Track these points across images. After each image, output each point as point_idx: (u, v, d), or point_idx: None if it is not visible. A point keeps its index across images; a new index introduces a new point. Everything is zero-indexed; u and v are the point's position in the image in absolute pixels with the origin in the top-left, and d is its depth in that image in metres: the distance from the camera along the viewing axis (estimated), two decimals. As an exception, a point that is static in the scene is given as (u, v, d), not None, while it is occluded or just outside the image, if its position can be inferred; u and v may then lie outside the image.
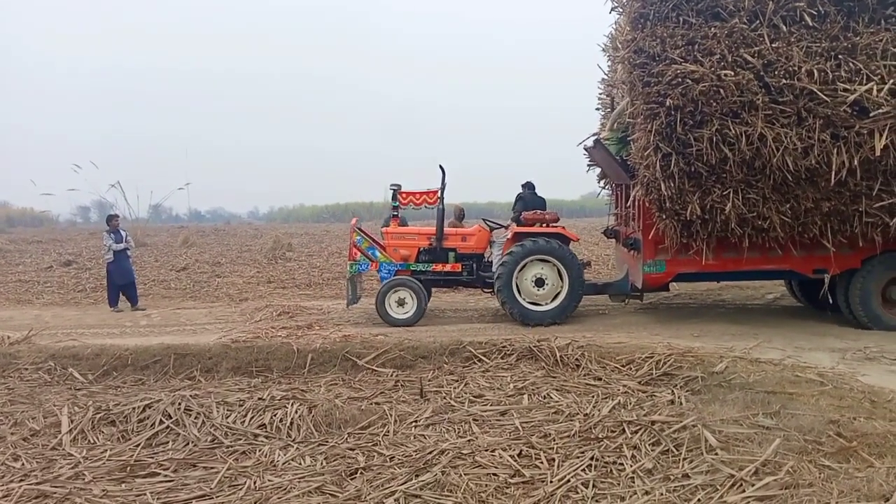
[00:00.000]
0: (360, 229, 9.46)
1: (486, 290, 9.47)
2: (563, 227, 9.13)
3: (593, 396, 5.38)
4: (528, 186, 10.34)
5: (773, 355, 6.42)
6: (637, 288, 8.75)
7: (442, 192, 9.22)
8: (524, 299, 8.67)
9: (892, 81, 6.62)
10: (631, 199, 8.43)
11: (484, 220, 10.07)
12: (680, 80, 6.87)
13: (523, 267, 8.66)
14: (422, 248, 9.29)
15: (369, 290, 12.58)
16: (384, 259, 9.23)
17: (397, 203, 9.37)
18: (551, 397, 5.48)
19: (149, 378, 6.49)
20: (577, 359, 6.36)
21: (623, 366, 6.14)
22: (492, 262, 9.28)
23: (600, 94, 10.37)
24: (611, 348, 6.61)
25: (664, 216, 7.43)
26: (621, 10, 8.16)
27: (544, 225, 9.06)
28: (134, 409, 5.28)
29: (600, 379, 5.90)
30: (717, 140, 6.85)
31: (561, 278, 8.69)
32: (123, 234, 11.01)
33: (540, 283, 8.67)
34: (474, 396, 5.61)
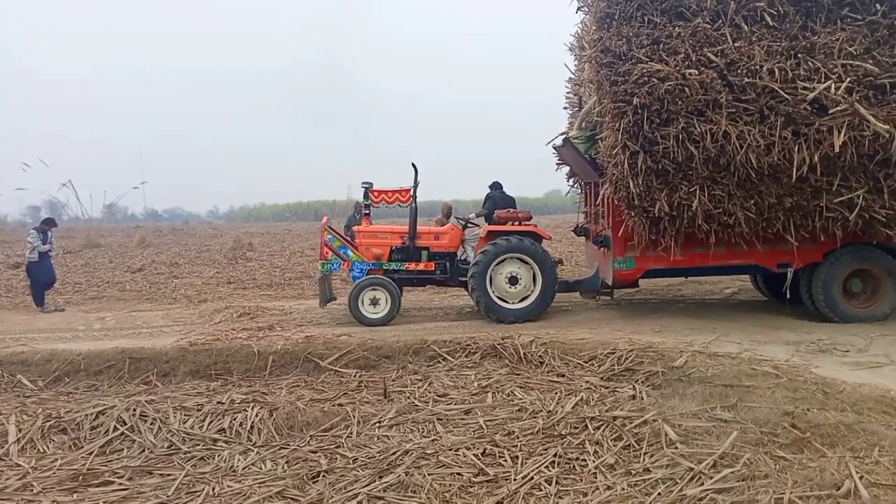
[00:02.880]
0: (331, 228, 9.34)
1: (459, 288, 9.46)
2: (536, 226, 9.18)
3: (556, 393, 5.41)
4: (496, 186, 10.37)
5: (731, 349, 6.55)
6: (607, 284, 8.84)
7: (415, 191, 9.18)
8: (498, 297, 8.70)
9: (848, 80, 6.80)
10: (600, 196, 8.51)
11: (457, 217, 10.06)
12: (646, 78, 6.96)
13: (497, 265, 8.69)
14: (394, 247, 9.23)
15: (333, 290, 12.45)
16: (356, 258, 9.13)
17: (369, 201, 9.28)
18: (515, 395, 5.50)
19: (102, 384, 6.30)
20: (540, 356, 6.40)
21: (586, 362, 6.20)
22: (465, 260, 9.29)
23: (567, 93, 10.43)
24: (574, 345, 6.66)
25: (633, 213, 7.51)
26: (587, 9, 8.23)
27: (517, 223, 9.10)
28: (86, 416, 5.12)
29: (563, 375, 5.94)
30: (683, 138, 6.95)
31: (534, 276, 8.74)
32: (50, 235, 10.95)
33: (514, 281, 8.70)
34: (438, 396, 5.59)
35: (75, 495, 4.00)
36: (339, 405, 5.44)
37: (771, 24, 7.07)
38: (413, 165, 9.25)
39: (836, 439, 4.00)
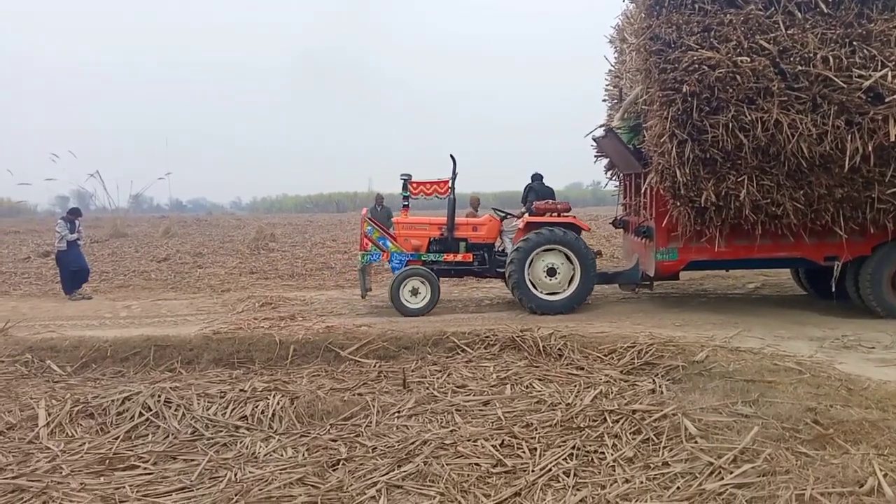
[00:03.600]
0: (370, 219, 9.46)
1: (497, 279, 9.49)
2: (575, 217, 9.17)
3: (575, 386, 5.40)
4: (536, 177, 10.37)
5: (753, 344, 6.49)
6: (648, 276, 8.78)
7: (453, 182, 9.25)
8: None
9: None
10: (645, 186, 8.41)
11: (494, 209, 10.08)
12: (696, 66, 6.90)
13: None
14: (433, 238, 9.30)
15: (353, 280, 12.54)
16: (395, 249, 9.22)
17: (408, 193, 9.35)
18: (534, 387, 5.50)
19: (128, 370, 6.41)
20: (559, 349, 6.38)
21: (605, 355, 6.17)
22: (503, 251, 9.29)
23: (607, 85, 10.40)
24: (593, 338, 6.64)
25: (678, 203, 7.44)
26: None
27: (556, 214, 9.08)
28: (113, 401, 5.22)
29: (582, 368, 5.93)
30: (733, 126, 6.88)
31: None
32: (78, 224, 11.08)
33: (552, 272, 8.70)
34: (457, 387, 5.61)
35: (102, 478, 4.09)
36: (359, 395, 5.48)
37: (826, 11, 6.99)
38: (451, 157, 9.32)
39: (859, 436, 3.94)
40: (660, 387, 5.24)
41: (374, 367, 6.26)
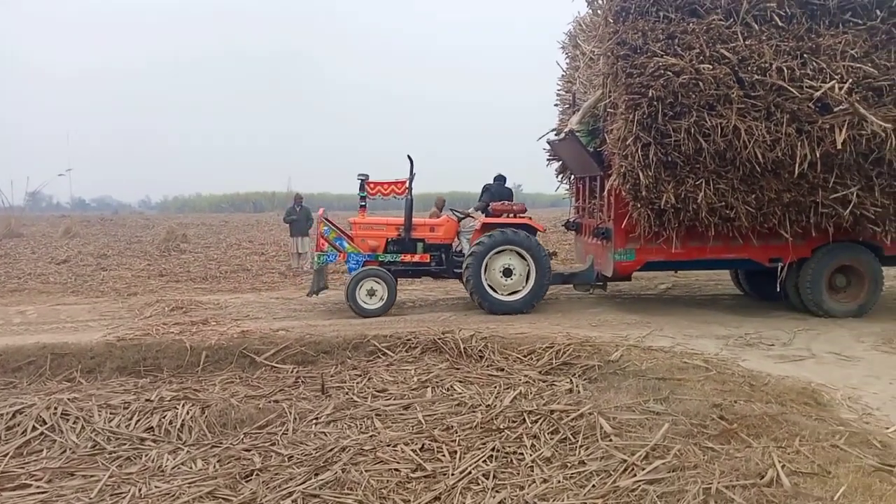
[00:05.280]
0: (327, 220, 9.25)
1: (454, 279, 9.45)
2: (531, 218, 9.26)
3: (496, 387, 5.44)
4: (499, 178, 10.40)
5: (664, 343, 6.75)
6: (603, 277, 8.98)
7: (410, 183, 9.16)
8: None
9: (850, 81, 7.14)
10: (607, 188, 8.53)
11: (452, 210, 10.07)
12: (661, 71, 7.12)
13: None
14: (390, 239, 9.19)
15: (270, 283, 12.18)
16: (352, 250, 9.07)
17: (365, 193, 9.21)
18: (455, 389, 5.49)
19: (21, 381, 5.95)
20: (480, 350, 6.41)
21: (525, 356, 6.25)
22: (460, 252, 9.28)
23: (559, 90, 10.57)
24: (513, 339, 6.72)
25: (639, 205, 7.64)
26: (595, 4, 8.47)
27: (512, 216, 9.15)
28: (2, 415, 4.82)
29: (503, 369, 5.98)
30: (694, 131, 7.15)
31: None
32: None
33: (508, 273, 8.75)
34: (378, 391, 5.53)
35: (-12, 500, 3.76)
36: (276, 402, 5.31)
37: (780, 24, 7.35)
38: (409, 157, 9.23)
39: (760, 430, 4.16)
40: (577, 386, 5.35)
41: (292, 372, 6.08)
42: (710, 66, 7.14)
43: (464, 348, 6.46)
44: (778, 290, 8.33)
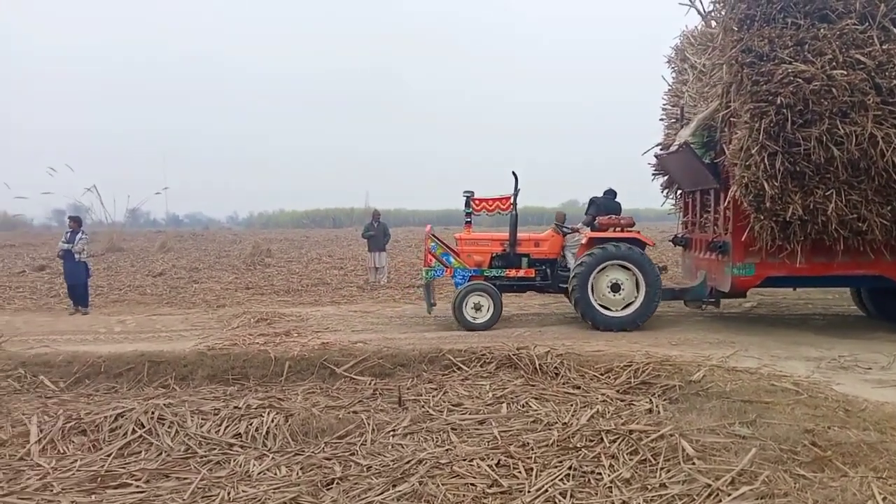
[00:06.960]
0: (434, 236, 9.53)
1: (560, 294, 9.52)
2: (639, 232, 9.17)
3: (572, 405, 5.37)
4: (609, 192, 10.30)
5: (750, 364, 6.48)
6: (717, 293, 8.74)
7: (515, 198, 9.31)
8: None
9: None
10: (725, 202, 8.35)
11: (556, 224, 10.09)
12: (791, 78, 6.97)
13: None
14: (495, 254, 9.36)
15: (349, 297, 12.51)
16: (458, 265, 9.30)
17: (470, 209, 9.43)
18: (530, 406, 5.47)
19: (122, 386, 6.36)
20: (556, 367, 6.36)
21: (602, 374, 6.15)
22: (566, 267, 9.30)
23: (664, 104, 10.48)
24: (590, 356, 6.62)
25: (762, 217, 7.42)
26: (712, 14, 8.35)
27: (620, 230, 9.09)
28: (106, 417, 5.17)
29: (579, 387, 5.90)
30: (826, 139, 6.93)
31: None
32: (79, 236, 10.84)
33: (616, 288, 8.69)
34: (453, 405, 5.57)
35: (93, 496, 4.03)
36: (354, 412, 5.44)
37: None
38: (513, 174, 9.36)
39: (857, 458, 3.93)
40: (657, 406, 5.21)
41: (370, 384, 6.22)
42: (844, 72, 6.87)
43: (539, 365, 6.42)
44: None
